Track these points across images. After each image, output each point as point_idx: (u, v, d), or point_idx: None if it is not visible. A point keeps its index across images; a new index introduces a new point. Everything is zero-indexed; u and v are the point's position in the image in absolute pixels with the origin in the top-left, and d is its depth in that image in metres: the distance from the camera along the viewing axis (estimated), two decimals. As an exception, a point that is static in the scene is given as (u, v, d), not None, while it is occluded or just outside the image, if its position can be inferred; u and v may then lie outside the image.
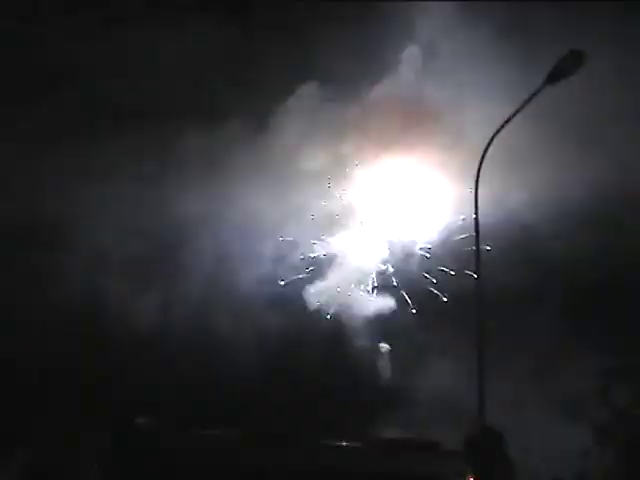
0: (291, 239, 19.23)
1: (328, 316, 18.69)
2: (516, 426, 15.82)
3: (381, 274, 19.21)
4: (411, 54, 18.46)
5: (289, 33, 19.15)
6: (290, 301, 18.88)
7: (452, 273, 18.78)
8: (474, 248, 14.52)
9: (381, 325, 18.73)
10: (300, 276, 19.10)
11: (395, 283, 19.12)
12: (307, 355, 17.81)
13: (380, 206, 19.46)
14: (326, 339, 18.31)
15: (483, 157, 15.16)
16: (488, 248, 17.13)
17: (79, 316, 17.66)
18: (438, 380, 17.13)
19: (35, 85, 18.96)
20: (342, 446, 14.41)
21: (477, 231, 15.76)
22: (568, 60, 13.20)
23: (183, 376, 17.24)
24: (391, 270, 19.16)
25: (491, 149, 15.25)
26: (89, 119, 18.61)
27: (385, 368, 18.43)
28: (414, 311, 18.70)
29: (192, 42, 18.84)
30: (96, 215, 18.24)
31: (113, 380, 16.79)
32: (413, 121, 18.93)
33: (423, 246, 19.28)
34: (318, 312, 18.84)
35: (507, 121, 14.24)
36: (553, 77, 13.43)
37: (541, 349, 17.39)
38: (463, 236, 18.60)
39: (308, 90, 18.75)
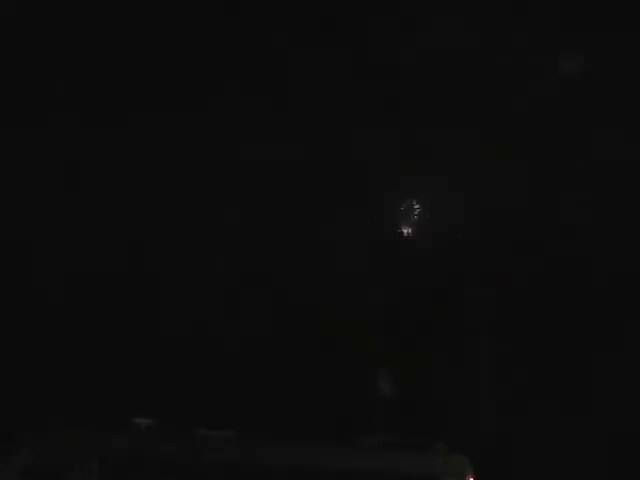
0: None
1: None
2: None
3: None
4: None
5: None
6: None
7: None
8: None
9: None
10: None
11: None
12: (304, 352, 17.84)
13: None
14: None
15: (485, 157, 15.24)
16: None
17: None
18: (438, 378, 17.14)
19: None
20: (341, 446, 14.44)
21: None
22: (568, 61, 13.21)
23: (180, 373, 17.26)
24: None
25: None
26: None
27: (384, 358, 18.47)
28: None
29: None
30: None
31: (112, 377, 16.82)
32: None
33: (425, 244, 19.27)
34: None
35: (508, 121, 14.27)
36: (553, 77, 13.44)
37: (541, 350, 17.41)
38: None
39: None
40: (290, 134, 18.29)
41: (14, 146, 18.35)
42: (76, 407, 15.37)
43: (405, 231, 19.19)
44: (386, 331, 18.39)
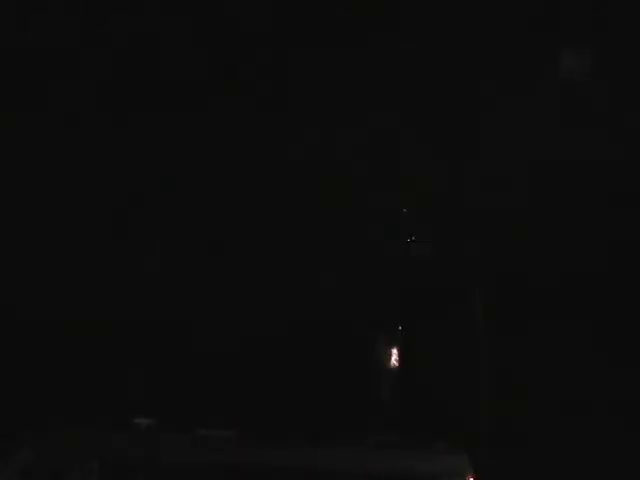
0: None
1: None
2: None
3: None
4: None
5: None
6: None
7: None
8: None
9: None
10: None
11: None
12: (304, 351, 17.87)
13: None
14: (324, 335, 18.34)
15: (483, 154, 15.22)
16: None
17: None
18: (437, 376, 17.19)
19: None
20: (342, 446, 14.45)
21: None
22: (569, 58, 13.15)
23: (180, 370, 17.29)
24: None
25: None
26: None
27: (383, 356, 18.53)
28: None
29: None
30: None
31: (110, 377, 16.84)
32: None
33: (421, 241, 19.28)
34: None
35: (507, 119, 14.24)
36: (553, 75, 13.40)
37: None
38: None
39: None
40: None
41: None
42: (76, 407, 15.39)
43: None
44: (386, 331, 18.43)
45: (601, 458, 16.07)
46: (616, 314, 17.34)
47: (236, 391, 16.89)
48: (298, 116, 18.18)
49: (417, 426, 15.71)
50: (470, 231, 18.07)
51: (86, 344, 17.35)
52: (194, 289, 17.94)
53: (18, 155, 17.89)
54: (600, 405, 16.64)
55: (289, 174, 18.49)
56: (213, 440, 13.86)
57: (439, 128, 18.06)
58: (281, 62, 18.54)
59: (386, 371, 18.08)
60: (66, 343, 17.26)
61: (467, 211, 18.40)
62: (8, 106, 18.10)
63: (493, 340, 17.05)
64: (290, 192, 18.44)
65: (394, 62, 18.15)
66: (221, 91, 18.35)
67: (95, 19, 18.80)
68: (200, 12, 18.46)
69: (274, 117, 18.31)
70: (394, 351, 18.27)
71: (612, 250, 17.54)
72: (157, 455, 13.40)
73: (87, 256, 18.17)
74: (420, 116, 17.97)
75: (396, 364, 18.16)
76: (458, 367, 17.11)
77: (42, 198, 18.14)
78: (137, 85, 18.62)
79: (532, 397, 16.83)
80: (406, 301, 18.64)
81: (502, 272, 17.78)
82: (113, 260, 18.16)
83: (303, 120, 18.19)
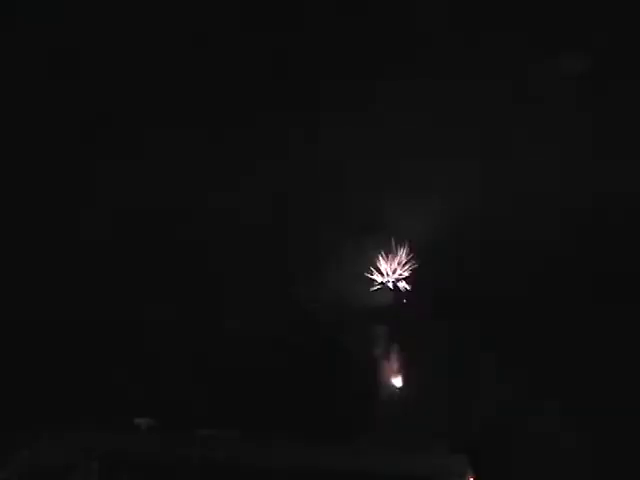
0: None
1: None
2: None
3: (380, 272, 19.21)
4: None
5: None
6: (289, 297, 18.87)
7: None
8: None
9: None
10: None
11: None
12: (306, 351, 17.82)
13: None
14: (323, 335, 18.29)
15: (483, 158, 15.20)
16: None
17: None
18: (438, 379, 17.13)
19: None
20: (342, 446, 14.44)
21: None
22: (568, 61, 13.13)
23: (180, 374, 17.24)
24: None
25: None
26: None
27: (381, 351, 18.50)
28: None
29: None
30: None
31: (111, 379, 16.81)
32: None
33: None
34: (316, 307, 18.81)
35: (509, 121, 14.22)
36: (553, 77, 13.36)
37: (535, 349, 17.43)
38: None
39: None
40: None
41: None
42: (76, 408, 15.33)
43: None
44: (387, 332, 18.40)
45: (601, 458, 16.02)
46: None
47: (236, 391, 16.81)
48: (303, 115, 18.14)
49: (417, 426, 15.64)
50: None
51: (86, 344, 17.28)
52: (194, 288, 17.90)
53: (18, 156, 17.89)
54: (600, 405, 16.59)
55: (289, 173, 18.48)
56: (213, 440, 13.84)
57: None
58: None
59: (386, 372, 18.02)
60: (66, 343, 17.20)
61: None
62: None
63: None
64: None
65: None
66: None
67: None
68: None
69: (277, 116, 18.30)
70: (394, 352, 18.21)
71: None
72: (157, 455, 13.39)
73: (87, 256, 18.13)
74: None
75: (397, 366, 18.10)
76: (458, 369, 17.05)
77: (42, 198, 18.11)
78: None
79: (532, 397, 16.77)
80: (407, 303, 18.61)
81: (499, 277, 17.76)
82: (113, 260, 18.12)
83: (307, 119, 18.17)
